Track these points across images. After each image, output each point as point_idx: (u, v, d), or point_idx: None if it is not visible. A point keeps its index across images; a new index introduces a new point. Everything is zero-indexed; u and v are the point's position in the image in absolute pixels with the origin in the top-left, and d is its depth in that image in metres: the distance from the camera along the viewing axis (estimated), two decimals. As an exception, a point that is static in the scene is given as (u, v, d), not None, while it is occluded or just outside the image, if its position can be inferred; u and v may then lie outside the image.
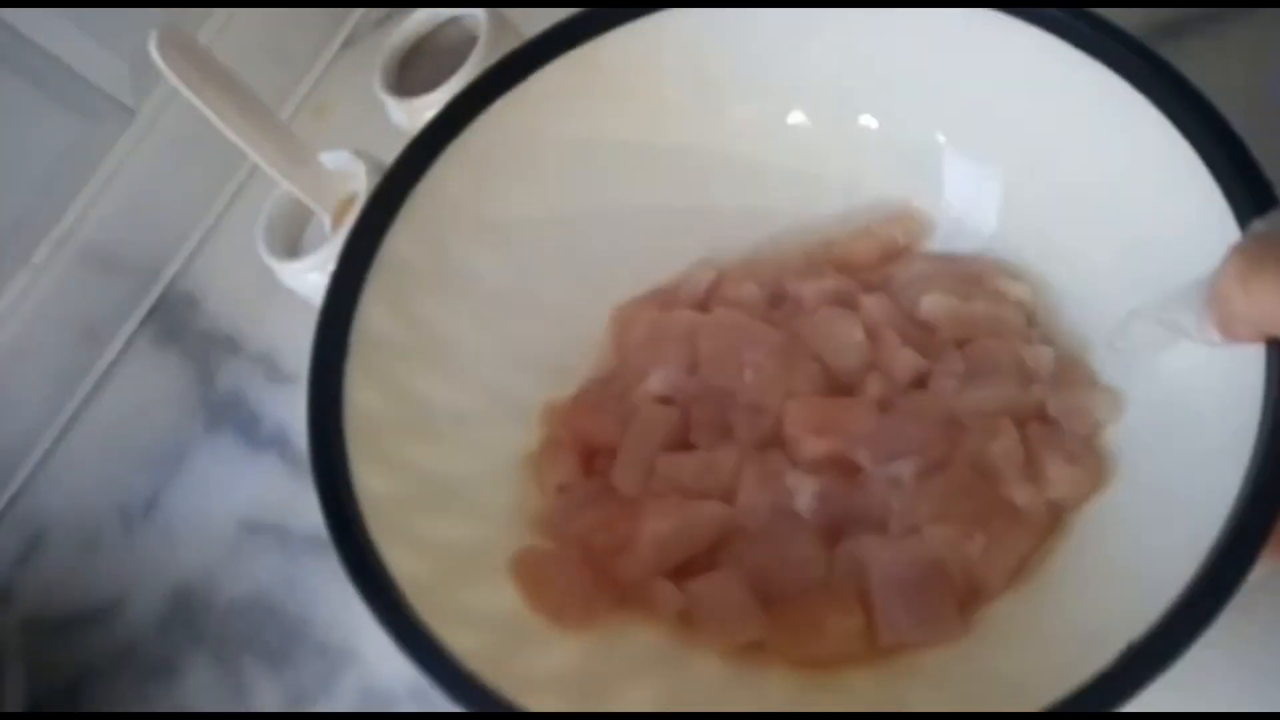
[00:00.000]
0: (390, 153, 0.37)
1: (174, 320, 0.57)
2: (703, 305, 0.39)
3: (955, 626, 0.31)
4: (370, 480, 0.31)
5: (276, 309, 0.53)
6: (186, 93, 0.40)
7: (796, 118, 0.40)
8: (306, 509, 0.47)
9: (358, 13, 0.62)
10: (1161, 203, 0.31)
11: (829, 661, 0.31)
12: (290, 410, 0.51)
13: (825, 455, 0.34)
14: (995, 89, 0.35)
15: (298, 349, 0.53)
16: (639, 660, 0.32)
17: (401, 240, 0.36)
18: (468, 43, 0.46)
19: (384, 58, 0.47)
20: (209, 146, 0.53)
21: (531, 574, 0.33)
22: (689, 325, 0.38)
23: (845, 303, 0.37)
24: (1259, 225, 0.26)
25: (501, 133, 0.37)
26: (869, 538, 0.32)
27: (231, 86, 0.41)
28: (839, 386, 0.35)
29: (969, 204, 0.38)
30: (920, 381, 0.35)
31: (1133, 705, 0.24)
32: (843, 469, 0.34)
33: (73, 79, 0.53)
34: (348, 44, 0.61)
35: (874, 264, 0.39)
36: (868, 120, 0.39)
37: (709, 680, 0.32)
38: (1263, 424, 0.26)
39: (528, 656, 0.31)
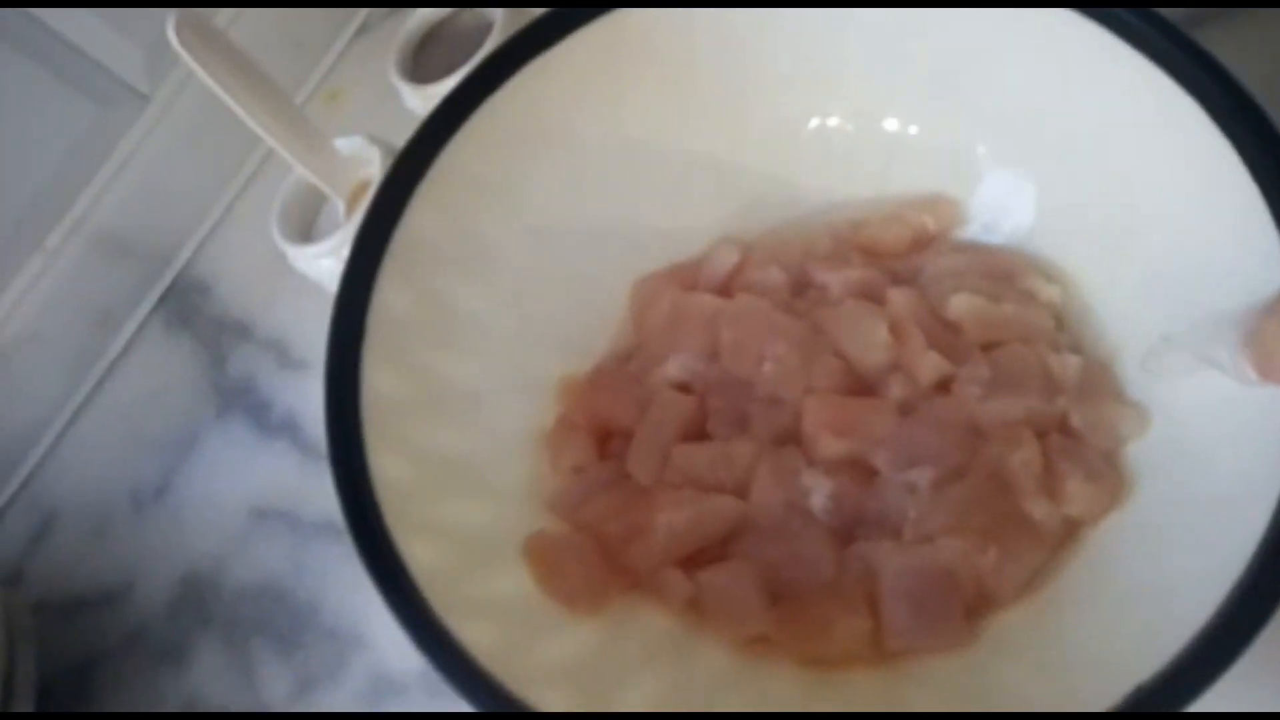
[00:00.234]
0: (405, 139, 0.37)
1: (186, 306, 0.57)
2: (725, 288, 0.38)
3: (962, 634, 0.31)
4: (387, 467, 0.31)
5: (288, 295, 0.53)
6: (203, 76, 0.40)
7: (831, 120, 0.39)
8: (317, 495, 0.48)
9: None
10: (1202, 211, 0.31)
11: (834, 661, 0.32)
12: (301, 396, 0.52)
13: (842, 456, 0.34)
14: (1035, 87, 0.34)
15: (309, 335, 0.54)
16: (646, 649, 0.32)
17: (421, 216, 0.35)
18: (483, 29, 0.46)
19: (399, 44, 0.47)
20: (223, 133, 0.53)
21: (544, 559, 0.33)
22: (711, 311, 0.37)
23: (872, 295, 0.36)
24: None
25: (523, 104, 0.37)
26: (881, 542, 0.32)
27: (248, 71, 0.41)
28: (860, 384, 0.35)
29: (1004, 199, 0.37)
30: (944, 385, 0.34)
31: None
32: (859, 471, 0.34)
33: (87, 65, 0.53)
34: (362, 30, 0.61)
35: (903, 252, 0.38)
36: (901, 124, 0.39)
37: (715, 672, 0.32)
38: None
39: (538, 646, 0.31)
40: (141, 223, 0.56)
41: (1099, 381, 0.33)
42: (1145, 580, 0.29)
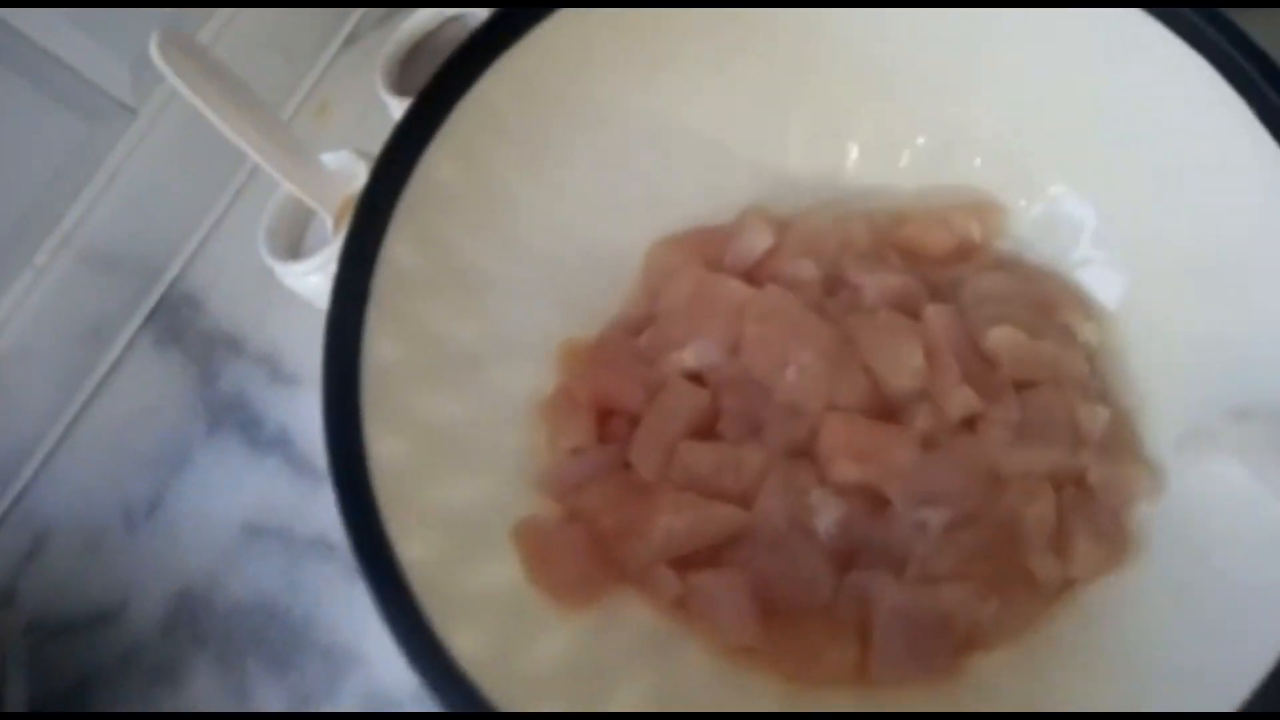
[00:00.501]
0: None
1: (176, 321, 0.56)
2: (753, 273, 0.37)
3: (946, 671, 0.31)
4: (383, 446, 0.30)
5: (278, 309, 0.53)
6: (187, 94, 0.40)
7: (883, 111, 0.37)
8: (310, 511, 0.48)
9: (359, 10, 0.61)
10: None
11: (817, 680, 0.31)
12: (293, 412, 0.51)
13: (856, 481, 0.33)
14: (1112, 105, 0.33)
15: (300, 350, 0.53)
16: (631, 650, 0.32)
17: (434, 165, 0.33)
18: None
19: (385, 58, 0.47)
20: (211, 146, 0.52)
21: (535, 549, 0.33)
22: (737, 300, 0.35)
23: (908, 307, 0.35)
24: None
25: (555, 44, 0.34)
26: (882, 575, 0.32)
27: (232, 87, 0.41)
28: (885, 406, 0.34)
29: (1057, 218, 0.36)
30: (970, 421, 0.33)
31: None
32: (870, 499, 0.33)
33: (74, 79, 0.52)
34: (349, 42, 0.61)
35: (944, 258, 0.37)
36: (960, 121, 0.37)
37: (698, 676, 0.32)
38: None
39: (525, 648, 0.31)
40: (130, 237, 0.56)
41: (1122, 437, 0.33)
42: (1136, 644, 0.29)
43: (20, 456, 0.54)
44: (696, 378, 0.36)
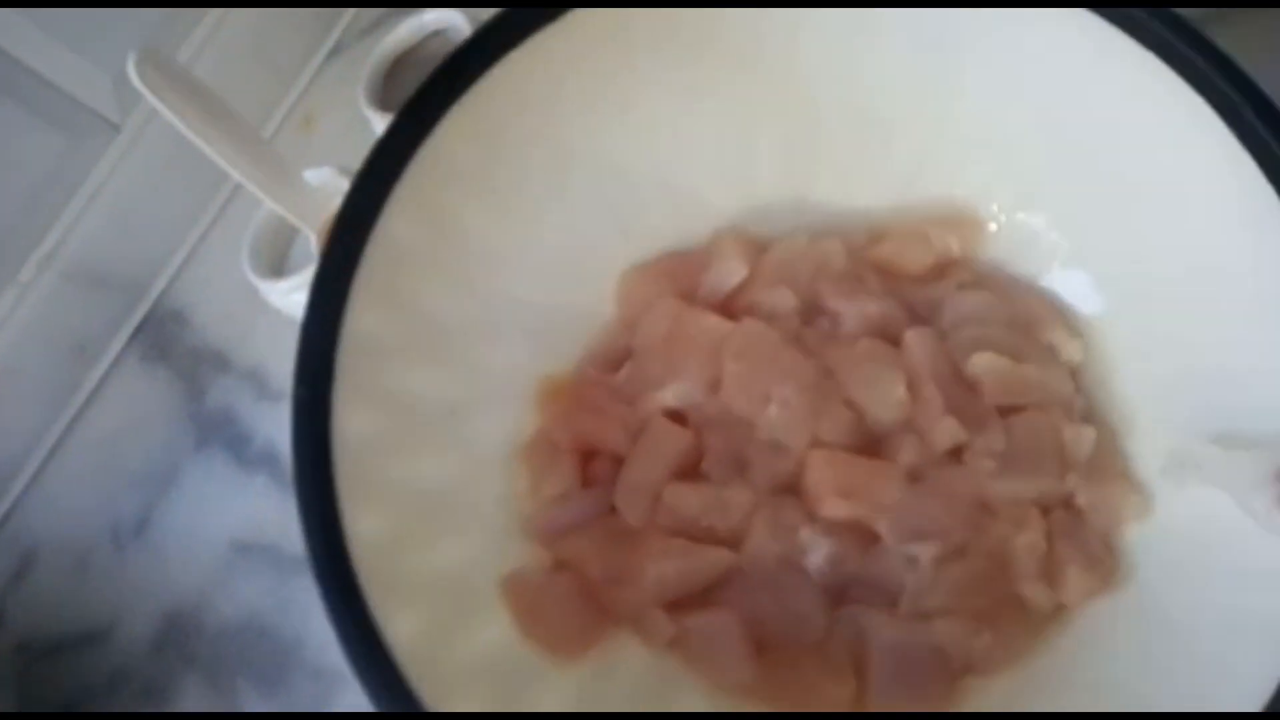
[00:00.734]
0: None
1: (162, 337, 0.56)
2: (728, 305, 0.36)
3: (942, 697, 0.31)
4: (362, 525, 0.29)
5: (265, 325, 0.52)
6: (167, 114, 0.39)
7: (855, 126, 0.37)
8: (298, 529, 0.47)
9: (344, 21, 0.61)
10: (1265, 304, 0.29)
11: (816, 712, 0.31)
12: (281, 427, 0.50)
13: (845, 519, 0.33)
14: (1086, 119, 0.33)
15: (287, 365, 0.52)
16: (633, 690, 0.32)
17: (395, 221, 0.32)
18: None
19: (368, 73, 0.47)
20: (195, 161, 0.51)
21: (525, 604, 0.32)
22: (715, 337, 0.35)
23: (888, 334, 0.35)
24: None
25: (505, 95, 0.33)
26: (874, 611, 0.32)
27: (213, 106, 0.41)
28: (869, 439, 0.34)
29: (1036, 231, 0.36)
30: (956, 451, 0.33)
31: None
32: (860, 534, 0.33)
33: (56, 94, 0.52)
34: (334, 53, 0.60)
35: (922, 275, 0.37)
36: (933, 134, 0.36)
37: (702, 709, 0.32)
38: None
39: (526, 703, 0.30)
40: (115, 253, 0.55)
41: (1108, 457, 0.33)
42: (1125, 675, 0.29)
43: (7, 475, 0.54)
44: (678, 416, 0.35)
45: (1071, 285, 0.36)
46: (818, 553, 0.32)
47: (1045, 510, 0.32)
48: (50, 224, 0.53)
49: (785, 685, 0.31)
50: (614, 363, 0.37)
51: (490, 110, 0.33)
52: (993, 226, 0.37)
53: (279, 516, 0.48)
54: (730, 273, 0.36)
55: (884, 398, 0.33)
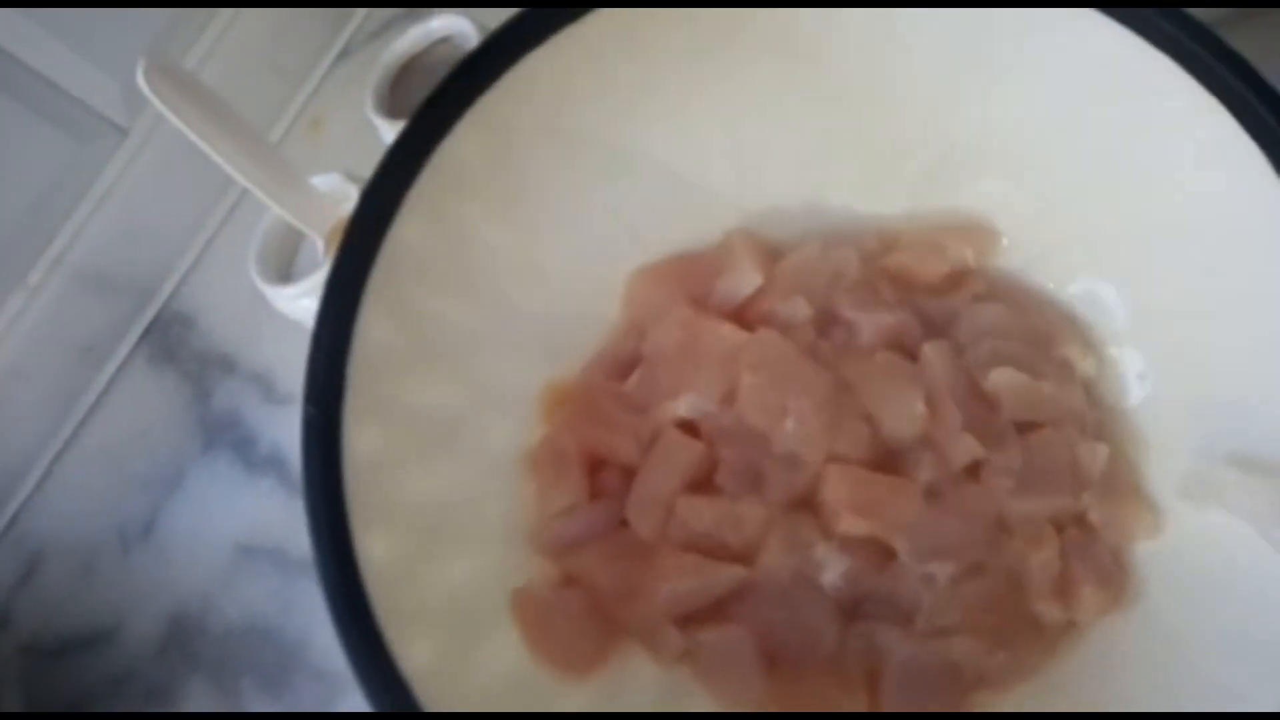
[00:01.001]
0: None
1: (170, 340, 0.56)
2: (742, 313, 0.36)
3: (953, 706, 0.31)
4: (372, 547, 0.29)
5: (272, 328, 0.52)
6: (175, 120, 0.40)
7: (869, 133, 0.36)
8: (303, 532, 0.47)
9: (352, 25, 0.61)
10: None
11: None
12: (287, 431, 0.51)
13: (861, 536, 0.32)
14: (1113, 136, 0.32)
15: (294, 369, 0.52)
16: (645, 704, 0.32)
17: (405, 231, 0.31)
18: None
19: (375, 80, 0.47)
20: (203, 165, 0.52)
21: (534, 622, 0.32)
22: (730, 347, 0.34)
23: (904, 345, 0.34)
24: None
25: (514, 103, 0.33)
26: (889, 627, 0.32)
27: (220, 113, 0.41)
28: (886, 454, 0.33)
29: (1053, 241, 0.36)
30: (973, 468, 0.33)
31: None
32: (876, 551, 0.32)
33: (64, 99, 0.52)
34: (343, 56, 0.60)
35: (938, 285, 0.36)
36: (947, 142, 0.36)
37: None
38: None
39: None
40: (123, 256, 0.56)
41: (1121, 474, 0.33)
42: (1137, 696, 0.29)
43: (15, 477, 0.54)
44: (689, 427, 0.35)
45: (1088, 299, 0.35)
46: (833, 569, 0.32)
47: (1059, 528, 0.32)
48: (59, 227, 0.54)
49: (797, 700, 0.31)
50: (621, 369, 0.36)
51: (500, 115, 0.33)
52: (1006, 238, 0.36)
53: (284, 519, 0.49)
54: (745, 281, 0.36)
55: (902, 413, 0.33)
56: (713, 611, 0.33)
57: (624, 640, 0.33)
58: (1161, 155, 0.31)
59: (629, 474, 0.34)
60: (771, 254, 0.37)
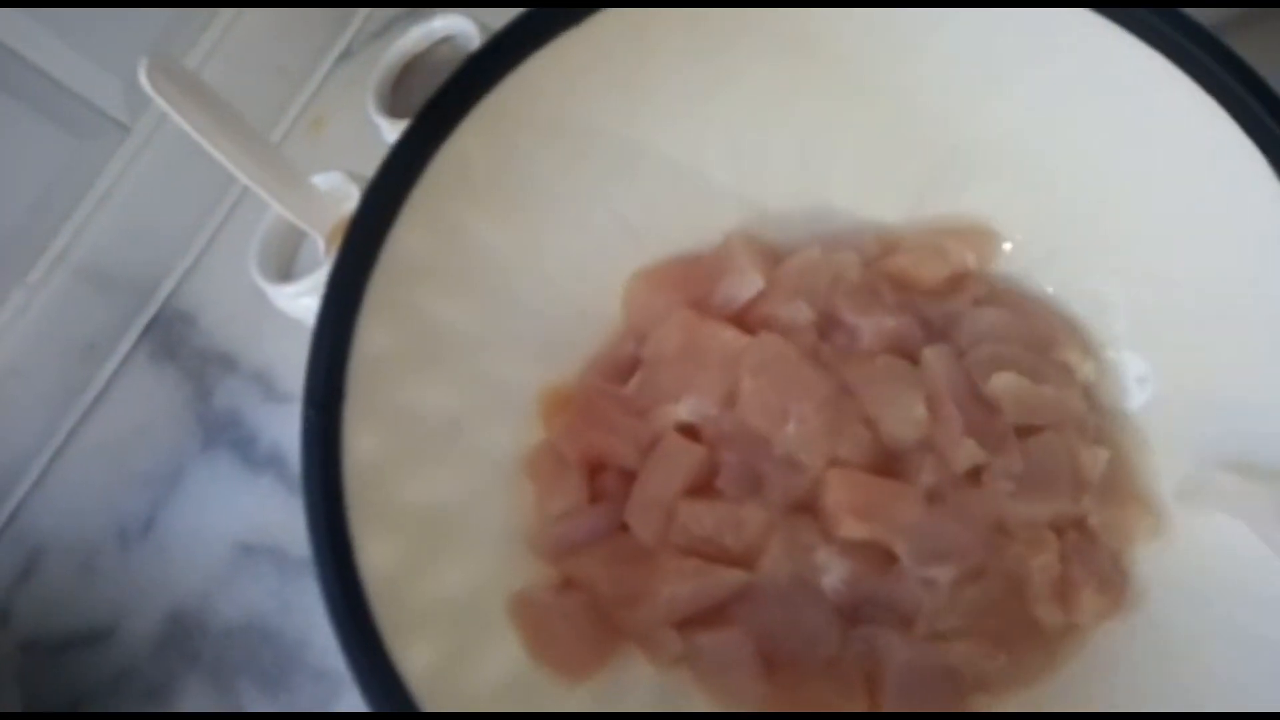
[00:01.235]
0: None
1: (171, 337, 0.56)
2: (743, 316, 0.36)
3: (951, 709, 0.31)
4: (372, 553, 0.29)
5: (273, 326, 0.52)
6: (177, 119, 0.40)
7: (870, 134, 0.36)
8: (302, 531, 0.47)
9: (354, 25, 0.61)
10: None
11: None
12: (287, 429, 0.51)
13: (862, 539, 0.32)
14: (1111, 131, 0.32)
15: (294, 367, 0.52)
16: (644, 706, 0.32)
17: (406, 235, 0.31)
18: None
19: (377, 79, 0.47)
20: (204, 162, 0.52)
21: (534, 625, 0.32)
22: (731, 351, 0.34)
23: (905, 349, 0.34)
24: None
25: (516, 103, 0.32)
26: (889, 631, 0.32)
27: (222, 112, 0.41)
28: (887, 458, 0.33)
29: (1051, 242, 0.36)
30: (974, 472, 0.33)
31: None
32: (877, 555, 0.32)
33: (66, 96, 0.52)
34: (344, 56, 0.60)
35: (938, 288, 0.36)
36: (950, 145, 0.35)
37: None
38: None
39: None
40: (125, 254, 0.56)
41: (1120, 478, 0.33)
42: (1136, 693, 0.29)
43: (15, 474, 0.54)
44: (690, 430, 0.35)
45: (1088, 303, 0.36)
46: (834, 573, 0.32)
47: (1059, 531, 0.32)
48: (60, 225, 0.54)
49: (797, 704, 0.31)
50: (621, 372, 0.36)
51: (502, 117, 0.32)
52: (1008, 242, 0.36)
53: (284, 518, 0.49)
54: (747, 284, 0.36)
55: (903, 417, 0.33)
56: (713, 615, 0.33)
57: (624, 644, 0.33)
58: (1162, 159, 0.31)
59: (629, 477, 0.34)
60: (772, 256, 0.37)
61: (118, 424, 0.55)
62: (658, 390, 0.35)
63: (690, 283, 0.36)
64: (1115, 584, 0.31)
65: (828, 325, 0.35)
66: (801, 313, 0.35)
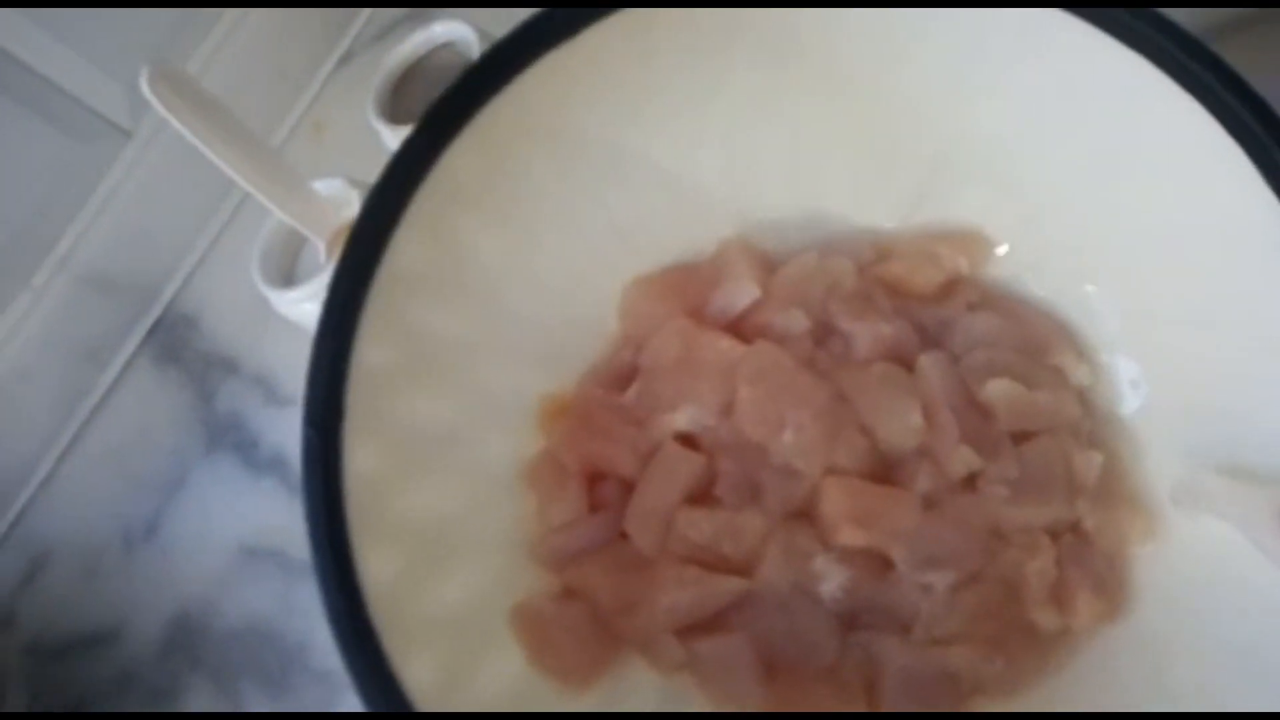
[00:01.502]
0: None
1: (173, 340, 0.57)
2: (739, 325, 0.36)
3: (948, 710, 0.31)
4: (374, 566, 0.29)
5: (275, 330, 0.53)
6: (178, 126, 0.40)
7: (864, 144, 0.36)
8: (304, 534, 0.48)
9: (355, 28, 0.61)
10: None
11: None
12: (289, 433, 0.51)
13: (860, 546, 0.32)
14: (1103, 135, 0.32)
15: (296, 371, 0.52)
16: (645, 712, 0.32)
17: (403, 249, 0.31)
18: (460, 68, 0.46)
19: (376, 85, 0.47)
20: (206, 167, 0.52)
21: (535, 635, 0.32)
22: (728, 360, 0.34)
23: (900, 356, 0.35)
24: None
25: (516, 114, 0.33)
26: (887, 637, 0.32)
27: (223, 119, 0.41)
28: (884, 465, 0.33)
29: (1046, 248, 0.36)
30: (970, 479, 0.33)
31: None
32: (874, 562, 0.33)
33: (68, 101, 0.52)
34: (345, 60, 0.61)
35: (932, 294, 0.36)
36: (942, 151, 0.36)
37: None
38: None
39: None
40: (128, 258, 0.56)
41: (1115, 482, 0.33)
42: (1132, 696, 0.29)
43: (19, 478, 0.55)
44: (689, 440, 0.35)
45: (1081, 307, 0.36)
46: (832, 580, 0.32)
47: (1055, 536, 0.32)
48: (63, 229, 0.54)
49: (796, 709, 0.31)
50: (618, 381, 0.36)
51: (500, 127, 0.33)
52: (1000, 247, 0.37)
53: (286, 521, 0.49)
54: (742, 293, 0.36)
55: (900, 424, 0.33)
56: (712, 622, 0.33)
57: (624, 652, 0.33)
58: (1153, 164, 0.32)
59: (628, 486, 0.35)
60: (767, 263, 0.37)
61: (121, 427, 0.55)
62: (656, 399, 0.35)
63: (686, 291, 0.36)
64: (1111, 587, 0.32)
65: (823, 333, 0.36)
66: (797, 321, 0.35)
